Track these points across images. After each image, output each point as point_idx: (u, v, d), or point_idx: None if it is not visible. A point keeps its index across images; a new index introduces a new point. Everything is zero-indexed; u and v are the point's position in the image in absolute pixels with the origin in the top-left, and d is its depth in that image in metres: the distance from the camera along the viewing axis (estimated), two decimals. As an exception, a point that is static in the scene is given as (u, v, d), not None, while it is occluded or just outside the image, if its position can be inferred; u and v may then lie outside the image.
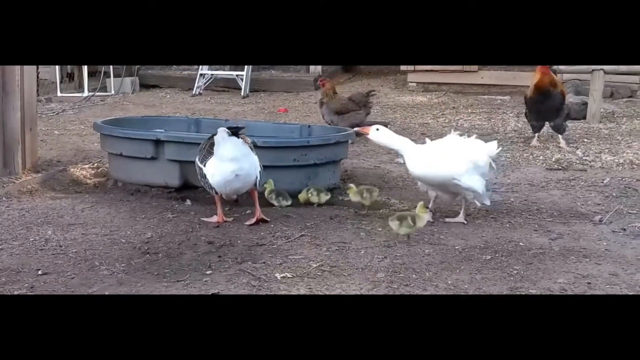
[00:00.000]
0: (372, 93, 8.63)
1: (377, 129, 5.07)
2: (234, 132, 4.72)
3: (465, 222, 5.01)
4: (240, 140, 4.75)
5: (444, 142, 5.08)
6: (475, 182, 4.93)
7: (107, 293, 3.74)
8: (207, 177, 4.89)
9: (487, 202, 5.09)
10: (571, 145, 7.77)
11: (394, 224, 4.57)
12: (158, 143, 5.62)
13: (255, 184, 4.96)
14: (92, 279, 3.97)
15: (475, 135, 5.15)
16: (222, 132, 4.73)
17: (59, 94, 11.49)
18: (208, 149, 4.90)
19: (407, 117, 9.82)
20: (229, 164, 4.78)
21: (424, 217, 4.61)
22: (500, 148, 5.07)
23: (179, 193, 5.67)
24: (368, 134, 5.09)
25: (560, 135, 7.84)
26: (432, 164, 4.93)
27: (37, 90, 8.94)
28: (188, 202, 5.50)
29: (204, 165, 4.91)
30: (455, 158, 4.91)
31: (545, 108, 7.77)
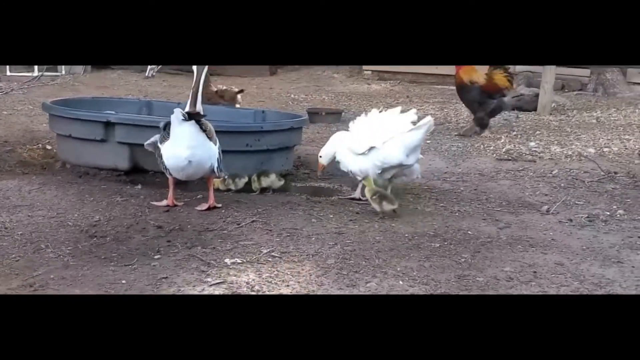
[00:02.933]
0: (243, 90, 8.30)
1: (321, 156, 5.43)
2: (192, 117, 4.60)
3: (359, 197, 5.24)
4: (195, 126, 4.65)
5: (365, 119, 5.28)
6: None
7: (52, 276, 3.68)
8: (163, 158, 4.81)
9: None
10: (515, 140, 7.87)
11: (384, 206, 4.86)
12: (108, 125, 5.53)
13: (213, 170, 4.87)
14: (37, 261, 3.90)
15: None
16: (177, 114, 4.60)
17: (8, 73, 11.22)
18: (168, 130, 4.78)
19: (362, 105, 9.84)
20: (182, 149, 4.69)
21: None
22: (416, 118, 5.05)
23: (129, 176, 5.59)
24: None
25: (485, 130, 7.91)
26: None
27: (-15, 69, 8.74)
28: (139, 186, 5.42)
29: (162, 146, 4.82)
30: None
31: (466, 101, 8.01)
